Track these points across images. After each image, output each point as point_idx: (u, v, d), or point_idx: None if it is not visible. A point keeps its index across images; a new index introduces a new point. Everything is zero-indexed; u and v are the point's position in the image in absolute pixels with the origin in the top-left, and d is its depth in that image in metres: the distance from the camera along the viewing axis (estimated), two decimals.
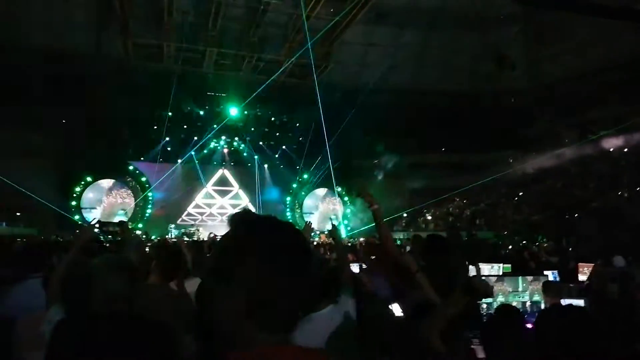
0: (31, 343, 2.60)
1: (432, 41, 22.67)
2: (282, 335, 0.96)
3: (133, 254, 2.94)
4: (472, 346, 2.80)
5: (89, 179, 22.43)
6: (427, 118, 23.47)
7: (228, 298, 0.94)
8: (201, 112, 23.91)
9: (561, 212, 20.05)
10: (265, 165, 25.90)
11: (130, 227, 21.43)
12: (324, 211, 27.43)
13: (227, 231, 1.02)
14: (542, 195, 23.16)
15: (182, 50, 20.94)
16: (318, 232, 25.68)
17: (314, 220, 26.96)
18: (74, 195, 22.06)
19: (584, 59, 21.06)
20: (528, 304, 4.59)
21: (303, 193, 27.20)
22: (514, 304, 4.29)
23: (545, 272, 6.22)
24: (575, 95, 22.19)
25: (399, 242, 16.76)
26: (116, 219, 21.08)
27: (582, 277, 6.69)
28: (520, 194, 24.66)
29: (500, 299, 4.51)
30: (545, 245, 14.35)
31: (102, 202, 22.90)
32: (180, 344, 2.71)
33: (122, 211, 22.91)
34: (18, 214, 20.41)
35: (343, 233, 25.12)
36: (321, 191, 27.23)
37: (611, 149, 22.20)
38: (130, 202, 23.44)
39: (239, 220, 1.03)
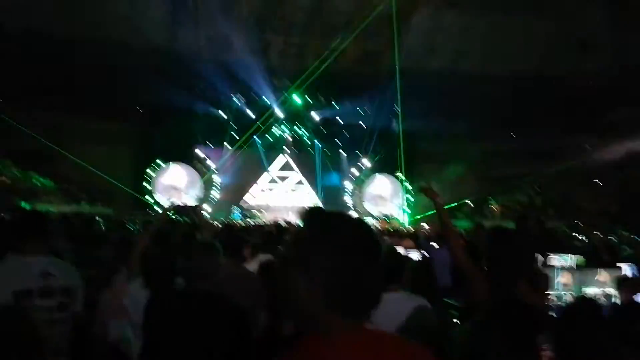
0: (113, 312, 2.83)
1: (507, 24, 21.60)
2: (364, 320, 1.03)
3: (207, 234, 3.10)
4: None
5: (160, 162, 23.68)
6: (500, 102, 22.44)
7: (306, 286, 1.00)
8: (266, 100, 24.45)
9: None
10: (327, 152, 26.01)
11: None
12: (384, 197, 27.15)
13: (300, 223, 1.10)
14: (622, 185, 21.66)
15: (250, 40, 21.38)
16: (377, 218, 25.59)
17: (374, 207, 26.83)
18: (147, 177, 23.40)
19: None
20: (602, 298, 4.36)
21: (362, 179, 27.11)
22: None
23: (619, 265, 5.88)
24: None
25: (461, 231, 16.34)
26: (190, 203, 22.26)
27: None
28: (597, 182, 23.18)
29: (569, 293, 4.32)
30: (622, 237, 13.44)
31: (172, 186, 24.06)
32: (255, 321, 2.85)
33: (193, 195, 23.99)
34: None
35: (405, 220, 24.84)
36: (382, 177, 26.96)
37: None
38: (197, 185, 24.48)
39: (312, 214, 1.10)
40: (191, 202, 22.77)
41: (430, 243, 7.46)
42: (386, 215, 25.93)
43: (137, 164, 23.58)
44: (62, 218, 9.12)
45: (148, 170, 23.44)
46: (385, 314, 2.43)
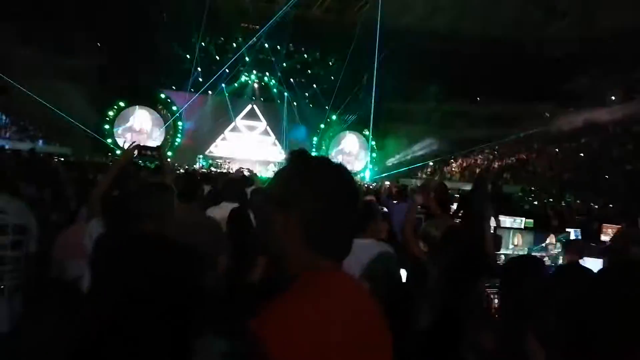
0: (73, 252, 2.80)
1: None
2: (339, 261, 1.06)
3: (169, 178, 3.05)
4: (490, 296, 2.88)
5: (121, 104, 22.76)
6: (465, 65, 22.56)
7: (287, 225, 1.02)
8: (234, 44, 23.65)
9: (594, 172, 19.57)
10: (295, 103, 25.70)
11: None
12: (351, 154, 27.36)
13: (285, 164, 1.10)
14: (576, 154, 22.55)
15: None
16: None
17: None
18: (107, 119, 22.54)
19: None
20: (546, 259, 4.63)
21: (330, 134, 27.10)
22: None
23: (568, 230, 6.22)
24: (625, 52, 20.89)
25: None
26: (151, 144, 21.69)
27: (604, 238, 6.65)
28: (554, 149, 24.03)
29: (519, 252, 4.56)
30: (570, 206, 14.13)
31: (132, 128, 23.36)
32: (213, 267, 2.87)
33: (157, 140, 23.43)
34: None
35: (368, 176, 25.21)
36: (350, 134, 27.04)
37: None
38: (161, 130, 23.86)
39: (296, 155, 1.11)
40: (153, 144, 22.25)
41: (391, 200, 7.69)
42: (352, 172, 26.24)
43: (97, 103, 22.57)
44: (17, 156, 8.76)
45: (110, 112, 22.53)
46: (356, 258, 2.62)
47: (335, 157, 26.88)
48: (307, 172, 1.06)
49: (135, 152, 3.16)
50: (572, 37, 23.16)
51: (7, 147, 15.23)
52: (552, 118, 23.73)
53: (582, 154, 22.38)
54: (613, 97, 23.04)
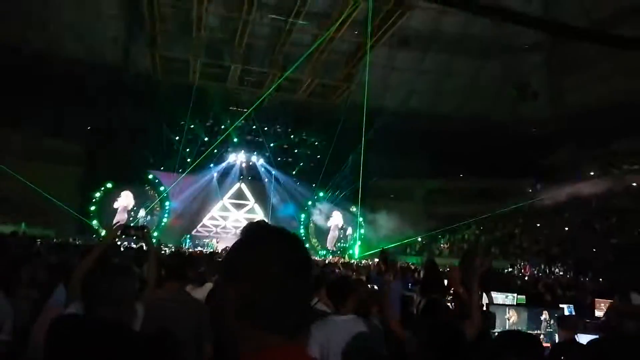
0: None
1: (454, 67, 22.73)
2: (291, 337, 0.98)
3: (152, 259, 2.97)
4: None
5: (109, 185, 22.75)
6: (446, 144, 23.37)
7: (232, 297, 0.96)
8: (222, 127, 24.32)
9: (580, 246, 19.66)
10: (282, 182, 25.98)
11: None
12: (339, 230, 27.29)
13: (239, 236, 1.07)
14: (561, 228, 22.76)
15: (208, 65, 21.36)
16: (330, 252, 25.58)
17: (328, 241, 26.89)
18: (93, 200, 22.39)
19: (609, 89, 20.79)
20: (542, 336, 4.50)
21: (318, 211, 27.19)
22: None
23: (561, 306, 6.13)
24: (599, 127, 21.87)
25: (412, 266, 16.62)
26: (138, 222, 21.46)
27: (598, 313, 6.54)
28: (538, 225, 24.26)
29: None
30: (561, 278, 14.04)
31: (122, 209, 23.20)
32: (193, 353, 2.72)
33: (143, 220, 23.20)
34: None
35: (357, 253, 24.96)
36: (337, 211, 27.14)
37: (634, 184, 21.77)
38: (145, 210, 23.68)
39: (248, 226, 1.08)
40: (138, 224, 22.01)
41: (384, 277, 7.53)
42: (340, 248, 26.03)
43: (84, 185, 22.56)
44: None
45: (96, 194, 22.42)
46: (336, 335, 2.54)
47: (323, 233, 26.81)
48: (253, 243, 1.02)
49: (119, 232, 3.11)
50: (545, 115, 24.35)
51: None
52: (534, 193, 24.22)
53: (567, 228, 22.59)
54: (592, 172, 23.72)
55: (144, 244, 3.94)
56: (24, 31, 19.03)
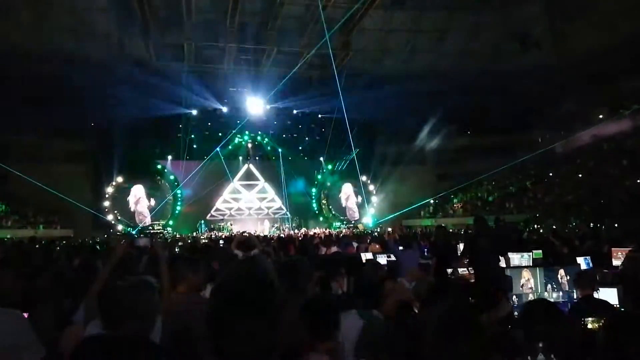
0: None
1: (452, 23, 22.18)
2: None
3: (163, 268, 2.98)
4: None
5: (119, 179, 22.89)
6: (450, 101, 22.98)
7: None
8: (224, 109, 24.22)
9: (594, 192, 19.51)
10: (289, 158, 25.95)
11: (162, 225, 22.01)
12: (350, 203, 27.32)
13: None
14: (574, 175, 22.58)
15: (203, 48, 21.13)
16: (345, 224, 25.73)
17: (341, 212, 26.99)
18: (106, 196, 22.60)
19: (610, 32, 20.21)
20: (561, 294, 4.50)
21: (328, 184, 27.20)
22: (546, 295, 4.23)
23: (578, 259, 6.12)
24: (604, 70, 21.36)
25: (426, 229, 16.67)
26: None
27: (616, 262, 6.52)
28: (550, 174, 24.07)
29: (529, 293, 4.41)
30: (577, 230, 13.97)
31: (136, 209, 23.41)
32: None
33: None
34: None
35: (370, 222, 25.07)
36: (347, 184, 27.14)
37: None
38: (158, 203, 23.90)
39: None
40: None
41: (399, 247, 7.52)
42: (353, 221, 26.15)
43: (94, 182, 22.75)
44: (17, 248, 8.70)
45: (108, 189, 22.60)
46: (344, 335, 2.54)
47: (336, 206, 26.90)
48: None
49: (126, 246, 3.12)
50: (550, 64, 23.77)
51: (8, 236, 15.23)
52: (544, 143, 23.91)
53: (580, 175, 22.40)
54: (601, 116, 23.35)
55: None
56: (13, 31, 18.84)
